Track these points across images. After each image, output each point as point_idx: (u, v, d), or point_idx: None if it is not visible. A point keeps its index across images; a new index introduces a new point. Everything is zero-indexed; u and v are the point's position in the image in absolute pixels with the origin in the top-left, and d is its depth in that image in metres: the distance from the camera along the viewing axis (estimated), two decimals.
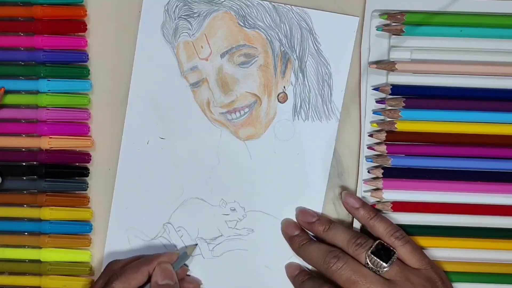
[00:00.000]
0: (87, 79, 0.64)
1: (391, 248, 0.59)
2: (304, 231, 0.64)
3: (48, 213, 0.64)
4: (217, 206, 0.65)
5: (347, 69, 0.63)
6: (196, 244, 0.64)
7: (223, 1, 0.63)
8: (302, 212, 0.64)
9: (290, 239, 0.64)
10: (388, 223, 0.61)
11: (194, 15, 0.63)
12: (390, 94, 0.62)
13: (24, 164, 0.65)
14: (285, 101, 0.64)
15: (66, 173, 0.65)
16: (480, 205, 0.63)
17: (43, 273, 0.65)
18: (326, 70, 0.63)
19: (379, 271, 0.58)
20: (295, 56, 0.63)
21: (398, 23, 0.61)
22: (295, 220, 0.64)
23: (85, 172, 0.65)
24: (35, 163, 0.64)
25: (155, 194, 0.65)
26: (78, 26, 0.63)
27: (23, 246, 0.65)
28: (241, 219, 0.65)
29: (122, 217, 0.65)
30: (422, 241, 0.62)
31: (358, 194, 0.63)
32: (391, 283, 0.57)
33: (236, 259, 0.65)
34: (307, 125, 0.64)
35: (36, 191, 0.64)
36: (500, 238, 0.63)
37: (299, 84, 0.64)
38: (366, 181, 0.63)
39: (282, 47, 0.63)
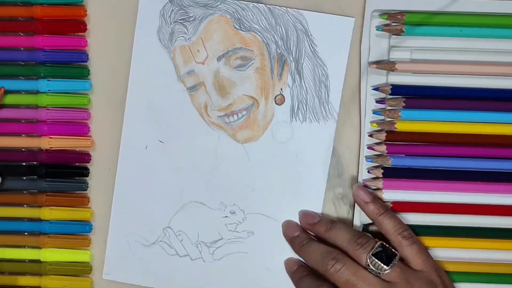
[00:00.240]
0: (87, 79, 0.64)
1: (393, 250, 0.58)
2: (305, 232, 0.63)
3: (48, 213, 0.64)
4: (216, 209, 0.65)
5: (343, 70, 0.63)
6: None
7: (218, 5, 0.63)
8: (303, 214, 0.64)
9: (291, 240, 0.63)
10: (397, 220, 0.60)
11: (190, 19, 0.63)
12: (390, 94, 0.62)
13: (24, 164, 0.64)
14: (283, 103, 0.64)
15: (66, 173, 0.65)
16: (480, 205, 0.63)
17: (43, 273, 0.65)
18: (323, 71, 0.63)
19: (379, 273, 0.57)
20: (291, 58, 0.63)
21: (398, 23, 0.61)
22: (295, 221, 0.64)
23: (85, 172, 0.65)
24: (35, 163, 0.64)
25: (154, 199, 0.65)
26: (78, 26, 0.63)
27: (23, 246, 0.65)
28: (241, 221, 0.65)
29: (122, 223, 0.65)
30: (422, 241, 0.62)
31: None
32: (391, 286, 0.57)
33: (237, 262, 0.65)
34: (305, 127, 0.64)
35: (36, 191, 0.64)
36: (500, 238, 0.63)
37: (296, 86, 0.64)
38: (366, 181, 0.63)
39: (278, 49, 0.63)
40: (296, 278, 0.62)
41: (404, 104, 0.62)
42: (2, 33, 0.63)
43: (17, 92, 0.64)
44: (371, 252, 0.58)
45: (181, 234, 0.65)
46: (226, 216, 0.65)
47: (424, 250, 0.60)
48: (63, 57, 0.63)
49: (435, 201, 0.63)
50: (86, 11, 0.63)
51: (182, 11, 0.63)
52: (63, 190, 0.65)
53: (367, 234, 0.62)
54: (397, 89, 0.62)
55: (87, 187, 0.65)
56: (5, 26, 0.63)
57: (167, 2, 0.63)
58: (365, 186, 0.63)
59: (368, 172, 0.63)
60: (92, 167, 0.65)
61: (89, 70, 0.64)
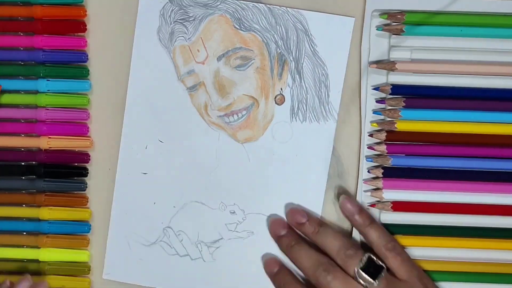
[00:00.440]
0: (86, 79, 0.64)
1: (380, 263, 0.59)
2: (292, 230, 0.63)
3: (47, 213, 0.64)
4: (216, 209, 0.65)
5: (343, 70, 0.63)
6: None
7: (218, 5, 0.63)
8: (292, 211, 0.63)
9: (278, 239, 0.63)
10: (382, 232, 0.61)
11: (190, 19, 0.63)
12: (390, 94, 0.62)
13: (23, 163, 0.64)
14: (283, 103, 0.64)
15: (65, 173, 0.64)
16: (480, 205, 0.63)
17: (41, 273, 0.64)
18: (323, 71, 0.63)
19: (367, 286, 0.58)
20: (291, 57, 0.63)
21: (398, 22, 0.61)
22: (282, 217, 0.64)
23: (84, 172, 0.64)
24: (34, 163, 0.64)
25: (154, 199, 0.65)
26: (78, 26, 0.63)
27: (22, 246, 0.65)
28: (241, 221, 0.65)
29: (122, 223, 0.65)
30: (422, 241, 0.62)
31: (358, 194, 0.63)
32: None
33: (237, 262, 0.65)
34: (305, 127, 0.64)
35: (35, 191, 0.64)
36: (500, 238, 0.63)
37: (296, 85, 0.64)
38: (366, 181, 0.63)
39: (278, 49, 0.63)
40: (277, 284, 0.63)
41: (404, 104, 0.62)
42: (2, 32, 0.63)
43: (17, 92, 0.64)
44: (359, 266, 0.58)
45: (181, 234, 0.65)
46: (226, 216, 0.64)
47: (408, 260, 0.60)
48: (62, 57, 0.63)
49: (435, 201, 0.63)
50: (86, 11, 0.63)
51: (182, 11, 0.63)
52: (62, 190, 0.64)
53: (356, 242, 0.62)
54: (397, 89, 0.62)
55: (86, 187, 0.65)
56: (5, 25, 0.63)
57: (167, 2, 0.63)
58: (365, 190, 0.63)
59: (368, 172, 0.63)
60: (91, 167, 0.65)
61: (88, 70, 0.64)
